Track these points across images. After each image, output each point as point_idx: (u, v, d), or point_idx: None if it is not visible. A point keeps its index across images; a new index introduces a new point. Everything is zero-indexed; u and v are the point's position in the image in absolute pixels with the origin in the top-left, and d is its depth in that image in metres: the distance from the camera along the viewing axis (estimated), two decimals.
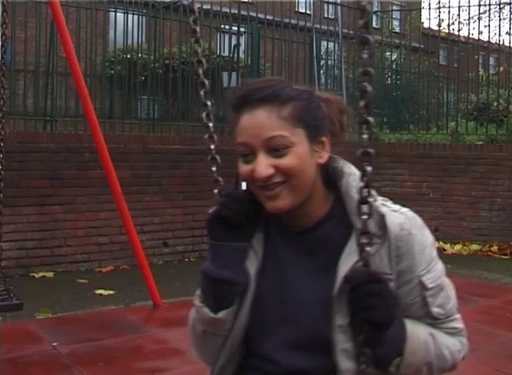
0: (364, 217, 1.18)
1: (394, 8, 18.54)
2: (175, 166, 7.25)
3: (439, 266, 1.33)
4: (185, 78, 8.18)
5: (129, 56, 8.44)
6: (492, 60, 15.92)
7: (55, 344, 4.23)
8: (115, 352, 4.13)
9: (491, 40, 10.59)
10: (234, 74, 8.94)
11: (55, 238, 6.46)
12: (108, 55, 9.23)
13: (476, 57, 11.02)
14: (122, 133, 7.63)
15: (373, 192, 1.20)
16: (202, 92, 1.60)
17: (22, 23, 7.29)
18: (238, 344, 1.35)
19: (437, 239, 8.21)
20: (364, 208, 1.18)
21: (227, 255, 1.31)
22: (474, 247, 8.08)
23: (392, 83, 11.59)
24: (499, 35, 10.86)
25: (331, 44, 10.29)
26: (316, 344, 1.28)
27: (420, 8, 14.49)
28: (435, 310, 1.30)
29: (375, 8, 15.23)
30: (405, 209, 1.32)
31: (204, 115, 1.57)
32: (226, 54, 9.37)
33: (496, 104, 9.88)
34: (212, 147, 1.56)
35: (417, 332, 1.27)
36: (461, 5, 9.77)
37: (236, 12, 8.83)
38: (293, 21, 9.27)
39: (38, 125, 7.57)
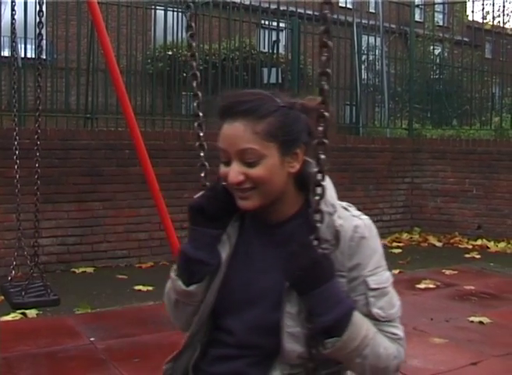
0: (317, 198, 1.35)
1: (437, 1, 18.22)
2: (214, 162, 7.23)
3: (387, 275, 1.46)
4: (225, 74, 8.17)
5: (170, 53, 8.47)
6: None
7: (92, 339, 4.27)
8: (151, 348, 4.13)
9: None
10: (274, 70, 8.90)
11: (95, 234, 6.53)
12: (149, 52, 9.28)
13: None
14: (162, 129, 7.66)
15: (327, 179, 1.37)
16: (194, 84, 1.75)
17: (64, 21, 7.36)
18: (206, 317, 1.53)
19: (480, 237, 8.10)
20: (318, 190, 1.35)
21: (202, 239, 1.50)
22: None
23: (435, 78, 11.38)
24: None
25: (372, 39, 10.14)
26: (268, 326, 1.43)
27: (464, 1, 14.21)
28: (375, 311, 1.41)
29: (418, 2, 14.98)
30: (365, 217, 1.47)
31: (195, 104, 1.78)
32: (266, 50, 9.33)
33: None
34: (201, 134, 1.88)
35: (361, 322, 1.37)
36: None
37: (275, 7, 8.78)
38: (334, 16, 9.16)
39: (80, 122, 7.65)
